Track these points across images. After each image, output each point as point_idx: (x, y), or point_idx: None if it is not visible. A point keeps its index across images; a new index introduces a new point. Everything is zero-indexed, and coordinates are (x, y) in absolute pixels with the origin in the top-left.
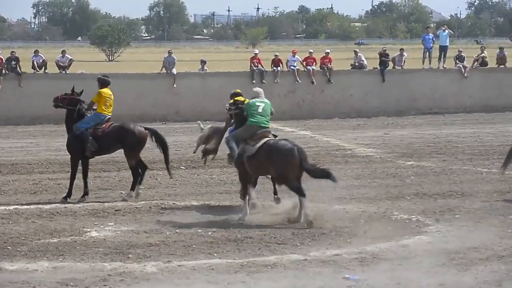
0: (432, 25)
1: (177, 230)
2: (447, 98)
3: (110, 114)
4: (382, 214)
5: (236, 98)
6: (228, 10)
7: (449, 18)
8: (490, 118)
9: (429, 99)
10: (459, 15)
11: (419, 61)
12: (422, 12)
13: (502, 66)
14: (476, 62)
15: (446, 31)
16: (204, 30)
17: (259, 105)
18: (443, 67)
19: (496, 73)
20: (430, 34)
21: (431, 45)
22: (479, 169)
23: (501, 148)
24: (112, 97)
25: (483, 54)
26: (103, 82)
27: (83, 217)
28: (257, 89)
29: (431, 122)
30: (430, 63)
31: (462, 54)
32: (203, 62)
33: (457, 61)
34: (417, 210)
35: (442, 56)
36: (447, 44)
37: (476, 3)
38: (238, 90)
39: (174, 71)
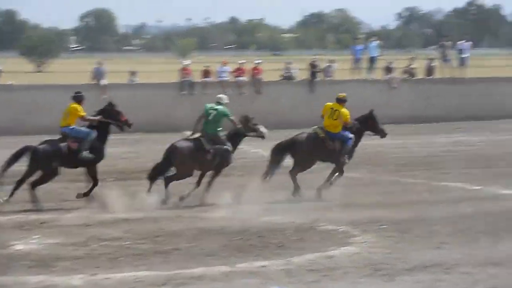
0: (361, 36)
1: (103, 243)
2: (376, 109)
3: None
4: (309, 225)
5: None
6: (158, 21)
7: (379, 29)
8: (417, 129)
9: (359, 110)
10: (388, 26)
11: (348, 72)
12: (352, 23)
13: (430, 77)
14: (405, 73)
15: (375, 42)
16: (135, 41)
17: (211, 112)
18: (372, 78)
19: (424, 84)
20: (360, 45)
21: (361, 56)
22: (406, 180)
23: (428, 158)
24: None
25: (412, 65)
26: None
27: (7, 229)
28: (220, 95)
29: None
30: (359, 74)
31: (391, 65)
32: (133, 73)
33: (386, 72)
34: (344, 221)
35: (371, 67)
36: (376, 55)
37: (404, 15)
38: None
39: (104, 82)
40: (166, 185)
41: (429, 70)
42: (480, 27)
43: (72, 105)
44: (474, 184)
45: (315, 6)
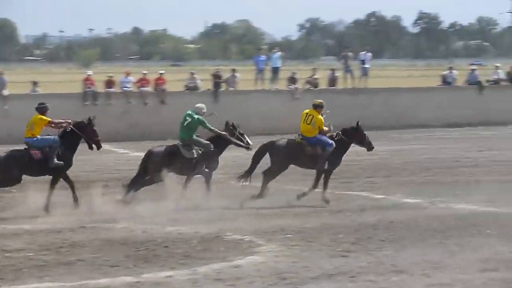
0: (264, 46)
1: (6, 254)
2: (279, 119)
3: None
4: (215, 235)
5: None
6: (61, 31)
7: (281, 39)
8: None
9: (261, 120)
10: (290, 37)
11: (252, 82)
12: (255, 34)
13: (332, 87)
14: (308, 84)
15: (278, 52)
16: (37, 51)
17: (187, 120)
18: (275, 88)
19: (327, 94)
20: (263, 56)
21: (264, 66)
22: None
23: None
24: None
25: (314, 76)
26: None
27: None
28: (198, 104)
29: (264, 142)
30: (262, 85)
31: (294, 75)
32: (34, 83)
33: (289, 82)
34: (249, 230)
35: (275, 78)
36: (279, 65)
37: (307, 25)
38: None
39: (5, 92)
40: (136, 190)
41: (332, 81)
42: (381, 38)
43: (36, 117)
44: (378, 193)
45: (218, 17)
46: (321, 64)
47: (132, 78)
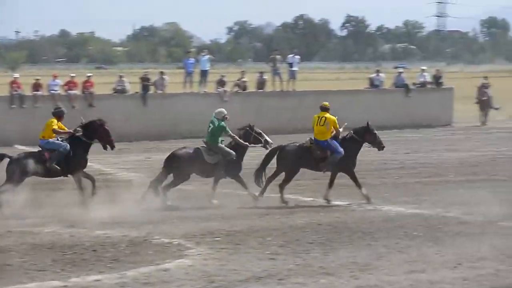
0: (193, 49)
1: None
2: (208, 122)
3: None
4: (143, 238)
5: None
6: None
7: (210, 42)
8: None
9: (190, 123)
10: (219, 40)
11: (180, 85)
12: (183, 37)
13: (261, 90)
14: (236, 87)
15: (207, 55)
16: None
17: (210, 126)
18: (204, 91)
19: (256, 97)
20: (191, 59)
21: (192, 69)
22: (240, 192)
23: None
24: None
25: (244, 79)
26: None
27: None
28: (218, 109)
29: (193, 146)
30: (191, 87)
31: (223, 78)
32: None
33: (218, 85)
34: (178, 234)
35: (203, 80)
36: (208, 68)
37: (235, 28)
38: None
39: None
40: (164, 193)
41: (260, 84)
42: (309, 41)
43: (50, 120)
44: (306, 195)
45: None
46: (249, 67)
47: (60, 81)
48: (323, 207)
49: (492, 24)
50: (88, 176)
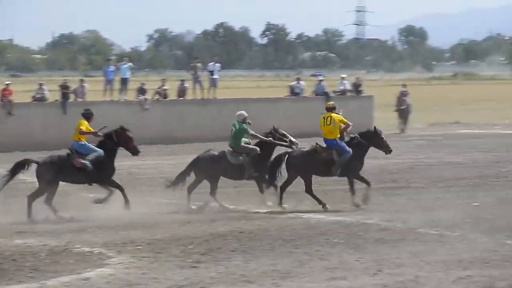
0: (113, 57)
1: None
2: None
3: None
4: (63, 247)
5: None
6: None
7: (130, 50)
8: (171, 149)
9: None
10: (139, 48)
11: (100, 93)
12: (103, 45)
13: (182, 98)
14: (157, 94)
15: (127, 63)
16: None
17: (232, 128)
18: (124, 99)
19: (177, 105)
20: (112, 66)
21: (113, 77)
22: (161, 200)
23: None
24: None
25: (164, 86)
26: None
27: None
28: (238, 112)
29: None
30: (111, 95)
31: (143, 86)
32: None
33: (139, 93)
34: (99, 243)
35: (124, 88)
36: (128, 76)
37: (155, 36)
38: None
39: None
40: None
41: (181, 91)
42: (229, 49)
43: (79, 121)
44: (228, 203)
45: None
46: (170, 75)
47: None
48: (245, 215)
49: (410, 33)
50: (117, 186)
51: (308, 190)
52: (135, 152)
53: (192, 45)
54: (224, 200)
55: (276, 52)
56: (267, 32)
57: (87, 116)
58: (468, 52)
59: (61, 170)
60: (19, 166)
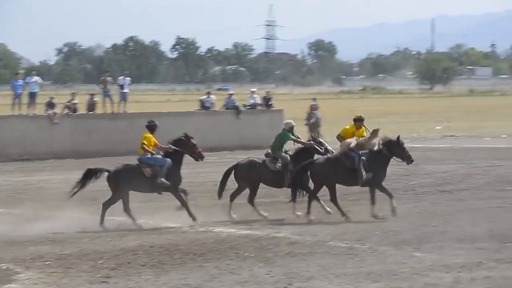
0: (21, 71)
1: None
2: (37, 144)
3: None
4: None
5: None
6: None
7: (39, 64)
8: (80, 163)
9: (19, 146)
10: (48, 62)
11: (8, 107)
12: (11, 58)
13: (91, 112)
14: (66, 109)
15: (35, 77)
16: None
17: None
18: (33, 113)
19: (86, 119)
20: (20, 80)
21: (21, 91)
22: (69, 215)
23: (88, 193)
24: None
25: (74, 100)
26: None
27: None
28: (286, 120)
29: (22, 168)
30: (20, 110)
31: (53, 100)
32: None
33: (47, 107)
34: (6, 258)
35: (32, 103)
36: (37, 90)
37: (65, 50)
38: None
39: None
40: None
41: (91, 105)
42: (140, 63)
43: (144, 135)
44: (138, 217)
45: None
46: (80, 88)
47: None
48: (155, 230)
49: (319, 47)
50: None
51: (333, 199)
52: (200, 157)
53: (102, 59)
54: (135, 215)
55: (187, 66)
56: (177, 46)
57: (152, 128)
58: (377, 66)
59: (130, 179)
60: (90, 175)
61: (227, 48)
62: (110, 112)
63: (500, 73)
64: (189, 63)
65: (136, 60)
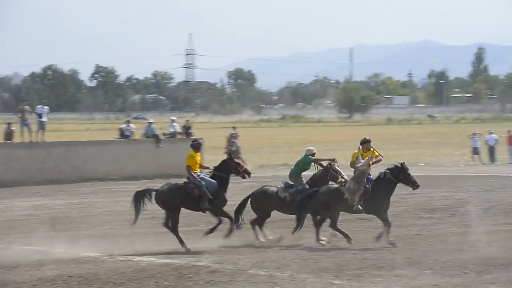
0: None
1: None
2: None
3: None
4: None
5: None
6: None
7: None
8: None
9: None
10: None
11: None
12: None
13: (9, 141)
14: None
15: None
16: None
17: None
18: None
19: (3, 148)
20: None
21: None
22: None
23: (9, 223)
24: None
25: None
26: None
27: None
28: (308, 147)
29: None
30: None
31: None
32: None
33: None
34: None
35: None
36: None
37: None
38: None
39: None
40: (253, 227)
41: (8, 134)
42: (58, 92)
43: (188, 154)
44: (57, 247)
45: None
46: None
47: None
48: (74, 259)
49: (238, 76)
50: (227, 215)
51: (334, 223)
52: (247, 174)
53: (20, 88)
54: (54, 244)
55: (106, 95)
56: (96, 75)
57: (196, 146)
58: (296, 95)
59: (178, 197)
60: (141, 196)
61: (146, 77)
62: (28, 141)
63: (417, 102)
64: (108, 91)
65: (55, 88)
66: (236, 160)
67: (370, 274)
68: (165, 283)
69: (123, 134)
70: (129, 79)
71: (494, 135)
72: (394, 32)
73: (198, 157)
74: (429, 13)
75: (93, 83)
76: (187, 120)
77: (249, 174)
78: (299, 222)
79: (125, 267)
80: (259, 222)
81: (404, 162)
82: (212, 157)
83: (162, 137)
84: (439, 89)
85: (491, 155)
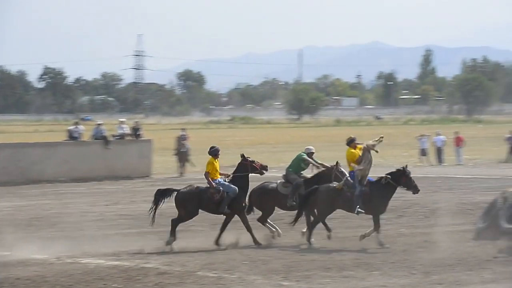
0: None
1: None
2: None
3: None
4: None
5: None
6: None
7: None
8: None
9: None
10: None
11: None
12: None
13: None
14: None
15: None
16: None
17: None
18: None
19: None
20: None
21: None
22: None
23: None
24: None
25: None
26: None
27: None
28: (308, 146)
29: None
30: None
31: None
32: None
33: None
34: None
35: None
36: None
37: None
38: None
39: None
40: (263, 224)
41: None
42: (6, 93)
43: (208, 161)
44: (3, 250)
45: None
46: None
47: None
48: (21, 262)
49: (188, 77)
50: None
51: (321, 219)
52: (264, 169)
53: None
54: (1, 247)
55: (54, 96)
56: (44, 76)
57: (214, 153)
58: (245, 97)
59: (198, 200)
60: (162, 195)
61: (95, 78)
62: None
63: (366, 104)
64: (57, 93)
65: (2, 90)
66: (250, 159)
67: (319, 275)
68: (114, 285)
69: (71, 136)
70: (78, 80)
71: (441, 137)
72: (343, 34)
73: (217, 164)
74: (378, 15)
75: (42, 85)
76: (136, 122)
77: (266, 168)
78: (299, 214)
79: (73, 270)
80: (265, 218)
81: (406, 166)
82: (162, 159)
83: (111, 138)
84: (388, 90)
85: (439, 157)
